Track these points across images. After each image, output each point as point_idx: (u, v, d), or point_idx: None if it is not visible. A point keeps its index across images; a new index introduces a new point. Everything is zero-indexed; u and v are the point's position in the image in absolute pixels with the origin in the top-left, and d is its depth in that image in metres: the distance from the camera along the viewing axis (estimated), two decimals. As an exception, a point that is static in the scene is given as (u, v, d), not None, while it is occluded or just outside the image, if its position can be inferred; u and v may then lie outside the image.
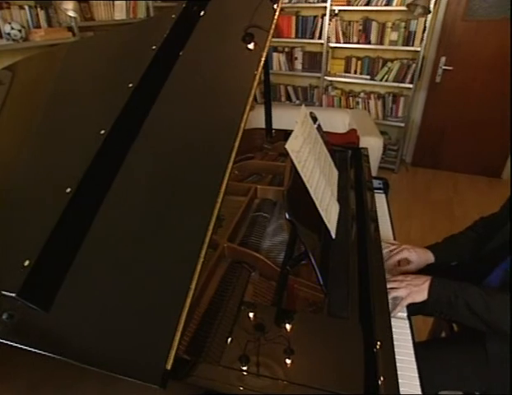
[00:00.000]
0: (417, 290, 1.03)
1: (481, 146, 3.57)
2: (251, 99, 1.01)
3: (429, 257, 1.28)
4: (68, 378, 0.78)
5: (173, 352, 0.66)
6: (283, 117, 2.03)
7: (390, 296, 1.02)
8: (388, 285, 1.03)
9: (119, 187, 0.95)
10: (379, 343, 0.79)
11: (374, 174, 2.73)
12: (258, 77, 1.09)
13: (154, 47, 1.25)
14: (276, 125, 1.89)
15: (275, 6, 1.34)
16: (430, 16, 3.14)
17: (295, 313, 0.88)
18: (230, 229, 1.17)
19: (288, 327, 0.82)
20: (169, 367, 0.65)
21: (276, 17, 1.29)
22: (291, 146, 0.96)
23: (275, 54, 4.02)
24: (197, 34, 1.37)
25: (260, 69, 1.12)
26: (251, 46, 1.25)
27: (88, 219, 0.89)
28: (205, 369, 0.75)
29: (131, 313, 0.71)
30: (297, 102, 4.11)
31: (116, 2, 3.49)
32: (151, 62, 1.22)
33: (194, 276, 0.73)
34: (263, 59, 1.14)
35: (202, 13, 1.46)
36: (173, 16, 1.36)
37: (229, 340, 0.81)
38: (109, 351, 0.67)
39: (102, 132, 1.03)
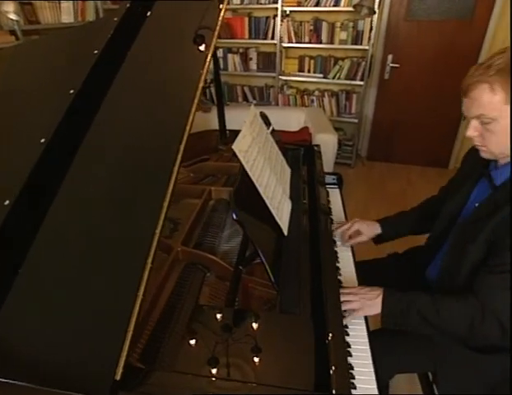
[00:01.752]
0: (370, 304, 1.03)
1: (429, 139, 3.76)
2: (197, 100, 1.01)
3: (376, 228, 1.40)
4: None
5: (122, 362, 0.64)
6: (240, 117, 2.02)
7: (343, 308, 1.01)
8: (343, 298, 1.02)
9: (63, 196, 0.91)
10: (330, 335, 0.81)
11: (330, 169, 2.80)
12: (203, 78, 1.08)
13: (96, 51, 1.21)
14: (233, 126, 1.88)
15: (220, 6, 1.34)
16: (375, 16, 3.27)
17: (249, 313, 0.88)
18: (183, 232, 1.16)
19: (241, 327, 0.83)
20: (118, 377, 0.64)
21: (221, 17, 1.29)
22: (239, 146, 0.97)
23: (230, 55, 4.01)
24: (142, 35, 1.34)
25: (206, 69, 1.11)
26: (197, 46, 1.25)
27: (30, 232, 0.85)
28: (158, 377, 0.74)
29: (75, 325, 0.69)
30: (254, 102, 4.14)
31: (63, 5, 3.33)
32: (94, 66, 1.19)
33: (142, 282, 0.72)
34: (209, 59, 1.14)
35: (148, 14, 1.43)
36: (115, 18, 1.32)
37: (182, 344, 0.81)
38: (53, 366, 0.65)
39: (42, 140, 1.00)
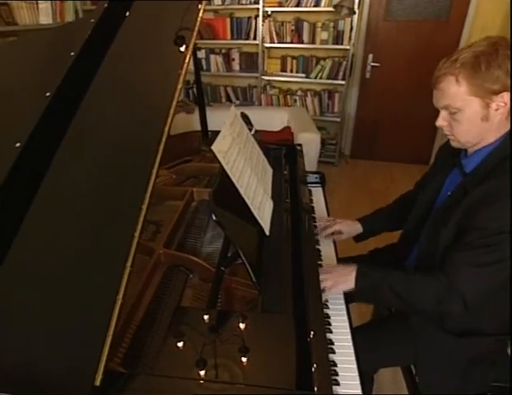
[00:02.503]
0: (344, 280, 1.07)
1: (411, 136, 3.81)
2: (175, 101, 1.00)
3: (357, 228, 1.44)
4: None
5: (101, 367, 0.64)
6: (223, 118, 2.00)
7: (321, 287, 1.06)
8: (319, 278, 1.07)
9: (41, 199, 0.90)
10: (312, 333, 0.82)
11: (313, 168, 2.82)
12: (182, 78, 1.07)
13: (72, 53, 1.19)
14: (217, 126, 1.87)
15: (199, 6, 1.34)
16: (355, 16, 3.31)
17: (232, 313, 0.88)
18: (165, 234, 1.15)
19: (224, 328, 0.82)
20: (97, 383, 0.63)
21: (199, 17, 1.28)
22: (218, 147, 0.97)
23: (212, 56, 4.00)
24: (121, 36, 1.33)
25: (185, 70, 1.11)
26: (176, 47, 1.24)
27: (7, 240, 0.83)
28: (141, 381, 0.73)
29: (52, 330, 0.68)
30: (237, 102, 4.14)
31: (40, 5, 3.25)
32: (71, 68, 1.17)
33: (121, 286, 0.71)
34: (187, 60, 1.13)
35: (127, 14, 1.42)
36: (92, 20, 1.31)
37: (164, 347, 0.80)
38: (29, 372, 0.63)
39: (18, 144, 0.98)
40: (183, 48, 1.19)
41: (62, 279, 0.74)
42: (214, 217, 0.84)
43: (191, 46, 1.19)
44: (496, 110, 0.94)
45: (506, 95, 0.92)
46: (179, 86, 1.04)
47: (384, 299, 1.08)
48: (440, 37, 3.33)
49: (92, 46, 1.26)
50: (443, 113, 1.01)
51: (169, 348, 0.79)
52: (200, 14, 1.29)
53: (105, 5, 1.40)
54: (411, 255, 1.24)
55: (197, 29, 1.26)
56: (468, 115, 0.96)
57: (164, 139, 0.91)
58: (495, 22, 3.09)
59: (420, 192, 1.24)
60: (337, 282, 1.07)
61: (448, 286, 0.98)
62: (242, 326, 0.82)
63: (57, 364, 0.64)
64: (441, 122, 1.02)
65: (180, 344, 0.79)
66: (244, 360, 0.76)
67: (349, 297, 1.18)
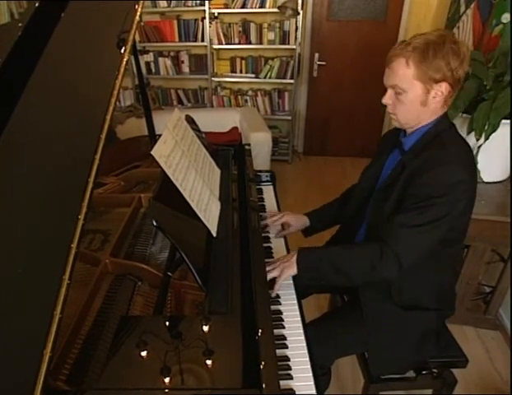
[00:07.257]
0: (288, 265, 1.11)
1: (359, 131, 3.97)
2: (112, 107, 0.97)
3: (305, 222, 1.48)
4: None
5: (39, 387, 0.61)
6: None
7: (268, 279, 1.09)
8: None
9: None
10: (260, 331, 0.83)
11: (266, 166, 2.86)
12: (119, 82, 1.05)
13: (-2, 60, 1.13)
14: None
15: (136, 6, 1.31)
16: (300, 16, 3.39)
17: (180, 318, 0.88)
18: (112, 243, 1.12)
19: (171, 334, 0.82)
20: (35, 404, 0.60)
21: (137, 18, 1.26)
22: (159, 151, 0.96)
23: (161, 59, 3.93)
24: (55, 39, 1.27)
25: (122, 73, 1.08)
26: (113, 49, 1.21)
27: None
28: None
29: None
30: (189, 105, 4.10)
31: (-34, 8, 3.05)
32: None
33: (58, 300, 0.68)
34: (124, 62, 1.11)
35: (62, 15, 1.35)
36: (20, 24, 1.24)
37: (112, 359, 0.78)
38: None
39: None
40: (119, 51, 1.16)
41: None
42: (154, 223, 0.83)
43: (128, 48, 1.17)
44: (434, 98, 1.03)
45: (444, 85, 1.00)
46: (115, 92, 1.01)
47: (326, 276, 1.12)
48: (379, 36, 3.50)
49: (23, 52, 1.20)
50: (389, 92, 1.08)
51: (116, 359, 0.78)
52: (137, 15, 1.27)
53: (36, 5, 1.34)
54: (358, 236, 1.30)
55: (133, 30, 1.23)
56: (411, 98, 1.04)
57: (101, 146, 0.88)
58: (426, 20, 3.29)
59: (361, 175, 1.31)
60: (283, 269, 1.11)
61: (379, 249, 1.04)
62: (191, 329, 0.82)
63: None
64: (387, 100, 1.09)
65: (128, 353, 0.77)
66: (195, 362, 0.75)
67: (303, 291, 1.22)
